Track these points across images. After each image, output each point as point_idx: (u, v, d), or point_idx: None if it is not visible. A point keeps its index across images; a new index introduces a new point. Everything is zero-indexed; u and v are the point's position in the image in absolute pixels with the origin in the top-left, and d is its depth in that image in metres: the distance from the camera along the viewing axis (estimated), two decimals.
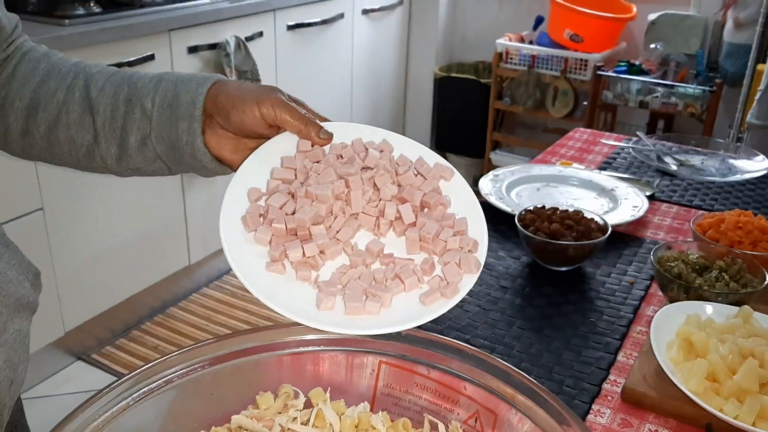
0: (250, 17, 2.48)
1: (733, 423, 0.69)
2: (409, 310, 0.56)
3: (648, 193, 1.31)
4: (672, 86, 2.85)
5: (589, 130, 1.71)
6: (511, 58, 3.17)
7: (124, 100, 0.68)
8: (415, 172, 0.66)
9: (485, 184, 1.30)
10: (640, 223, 1.22)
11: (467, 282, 0.58)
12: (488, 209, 1.22)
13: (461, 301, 0.58)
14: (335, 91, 3.09)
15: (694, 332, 0.79)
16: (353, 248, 0.61)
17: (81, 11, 2.02)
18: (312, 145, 0.66)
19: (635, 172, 1.45)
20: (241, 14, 2.43)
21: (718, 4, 2.91)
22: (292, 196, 0.62)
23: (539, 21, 3.24)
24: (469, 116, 3.45)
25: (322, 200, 0.60)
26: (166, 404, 0.55)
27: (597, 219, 1.08)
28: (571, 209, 1.11)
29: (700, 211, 1.26)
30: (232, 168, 0.68)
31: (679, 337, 0.80)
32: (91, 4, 2.09)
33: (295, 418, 0.58)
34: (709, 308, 0.86)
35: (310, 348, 0.60)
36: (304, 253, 0.58)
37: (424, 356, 0.59)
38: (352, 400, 0.60)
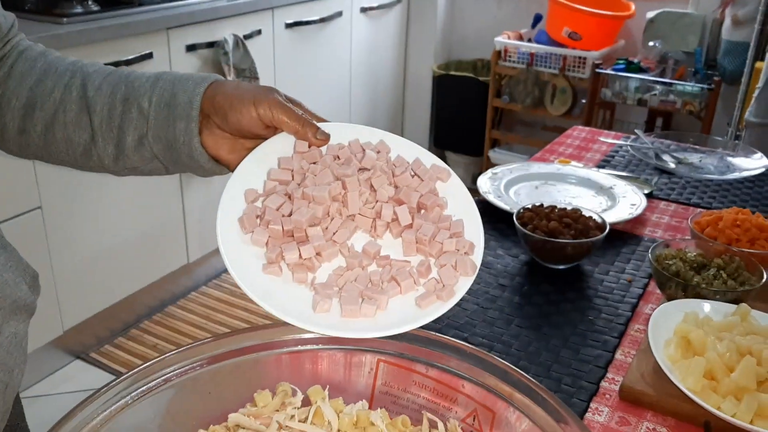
0: (248, 15, 2.47)
1: (731, 421, 0.69)
2: (404, 312, 0.56)
3: (646, 191, 1.31)
4: (670, 84, 2.86)
5: (587, 128, 1.71)
6: (510, 56, 3.17)
7: (121, 100, 0.68)
8: (412, 174, 0.66)
9: (484, 182, 1.30)
10: (638, 221, 1.22)
11: (463, 285, 0.58)
12: (487, 207, 1.23)
13: (459, 300, 0.58)
14: (334, 89, 3.09)
15: (692, 330, 0.79)
16: (350, 250, 0.61)
17: (79, 9, 2.02)
18: (309, 146, 0.66)
19: (633, 170, 1.45)
20: (240, 12, 2.43)
21: (716, 1, 2.91)
22: (289, 198, 0.62)
23: (538, 19, 3.24)
24: (468, 114, 3.45)
25: (318, 202, 0.60)
26: (164, 403, 0.55)
27: (595, 217, 1.09)
28: (569, 207, 1.11)
29: (698, 209, 1.26)
30: (230, 168, 0.68)
31: (677, 335, 0.80)
32: (89, 3, 2.09)
33: (293, 416, 0.58)
34: (706, 306, 0.86)
35: (309, 346, 0.60)
36: (300, 254, 0.58)
37: (422, 355, 0.59)
38: (350, 399, 0.60)
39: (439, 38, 3.53)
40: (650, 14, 2.99)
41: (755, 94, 1.86)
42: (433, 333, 0.59)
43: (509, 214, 1.13)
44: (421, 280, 0.59)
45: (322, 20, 2.84)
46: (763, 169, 1.38)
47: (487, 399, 0.55)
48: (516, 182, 1.33)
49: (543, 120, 3.46)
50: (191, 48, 2.27)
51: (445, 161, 3.65)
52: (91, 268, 2.14)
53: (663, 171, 1.44)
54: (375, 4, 3.17)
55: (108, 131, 0.68)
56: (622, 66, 2.96)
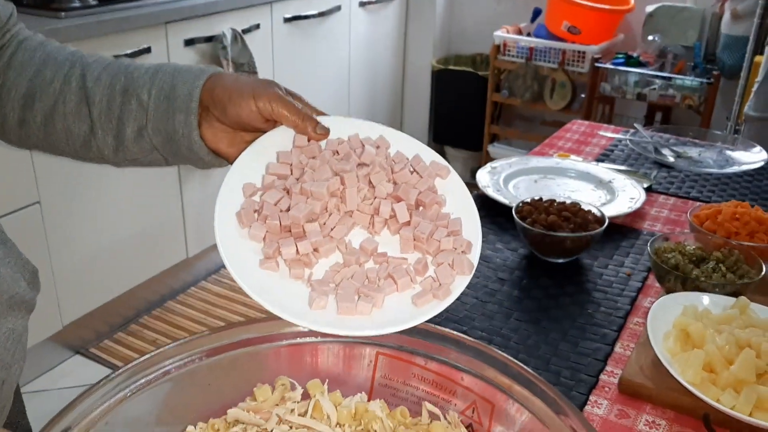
0: (246, 9, 2.47)
1: (730, 413, 0.69)
2: (401, 311, 0.56)
3: (645, 185, 1.31)
4: (669, 78, 2.85)
5: (586, 122, 1.71)
6: (509, 51, 3.16)
7: (121, 91, 0.67)
8: (411, 170, 0.65)
9: (483, 176, 1.30)
10: (637, 214, 1.22)
11: (459, 284, 0.58)
12: (486, 201, 1.23)
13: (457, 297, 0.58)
14: (332, 84, 3.09)
15: (691, 323, 0.79)
16: (347, 246, 0.60)
17: (77, 4, 2.01)
18: (308, 140, 0.66)
19: (633, 164, 1.45)
20: (238, 6, 2.42)
21: None
22: (287, 192, 0.62)
23: (537, 13, 3.23)
24: (467, 109, 3.45)
25: (316, 197, 0.60)
26: (163, 396, 0.55)
27: (594, 211, 1.09)
28: (568, 201, 1.11)
29: (698, 203, 1.26)
30: (229, 161, 0.68)
31: (676, 328, 0.80)
32: None
33: (292, 410, 0.58)
34: (705, 299, 0.86)
35: (308, 339, 0.60)
36: (297, 250, 0.58)
37: (421, 347, 0.59)
38: (349, 391, 0.60)
39: (438, 33, 3.52)
40: (649, 8, 2.99)
41: (754, 88, 1.86)
42: (433, 325, 0.59)
43: (508, 208, 1.12)
44: (417, 278, 0.58)
45: (321, 14, 2.83)
46: (762, 163, 1.38)
47: (487, 391, 0.56)
48: (515, 176, 1.33)
49: (542, 114, 3.45)
50: (190, 42, 2.27)
51: (444, 156, 3.65)
52: (90, 263, 2.14)
53: (662, 165, 1.44)
54: None
55: (107, 122, 0.68)
56: (621, 60, 2.96)
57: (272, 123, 0.66)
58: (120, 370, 0.53)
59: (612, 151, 1.52)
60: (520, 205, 1.10)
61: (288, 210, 0.60)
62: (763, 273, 0.90)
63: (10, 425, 0.72)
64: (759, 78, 1.85)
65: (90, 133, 0.68)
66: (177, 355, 0.56)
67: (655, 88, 2.87)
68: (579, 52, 2.99)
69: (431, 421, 0.59)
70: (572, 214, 1.07)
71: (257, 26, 2.52)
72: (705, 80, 2.78)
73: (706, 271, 0.92)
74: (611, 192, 1.28)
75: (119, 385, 0.52)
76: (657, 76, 2.87)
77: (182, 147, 0.67)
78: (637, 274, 1.03)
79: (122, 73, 0.68)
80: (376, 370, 0.60)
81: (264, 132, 0.67)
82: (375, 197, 0.63)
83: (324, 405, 0.58)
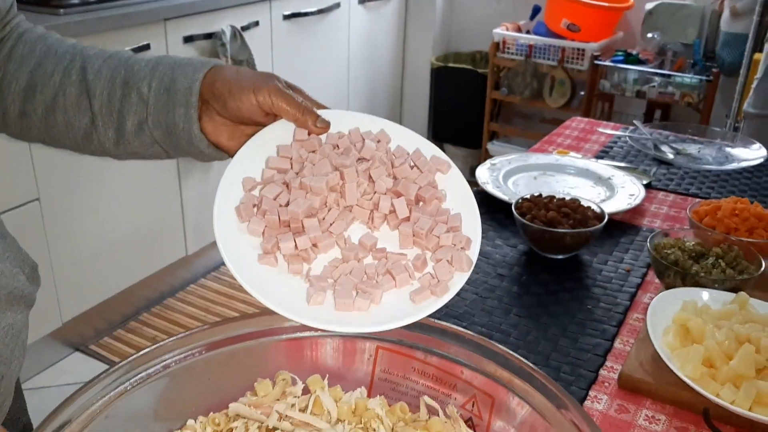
0: (245, 6, 2.46)
1: (730, 408, 0.69)
2: (398, 307, 0.56)
3: (645, 182, 1.31)
4: (669, 76, 2.85)
5: (586, 119, 1.71)
6: (508, 48, 3.16)
7: (121, 84, 0.67)
8: (412, 164, 0.65)
9: (482, 172, 1.30)
10: (636, 211, 1.22)
11: (458, 280, 0.57)
12: (485, 198, 1.23)
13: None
14: (332, 82, 3.09)
15: (691, 318, 0.79)
16: (346, 242, 0.60)
17: (76, 0, 2.01)
18: (308, 134, 0.65)
19: (632, 161, 1.45)
20: (237, 3, 2.42)
21: None
22: (287, 187, 0.61)
23: (536, 10, 3.23)
24: (466, 106, 3.45)
25: (316, 192, 0.60)
26: (163, 389, 0.55)
27: (594, 207, 1.09)
28: (567, 197, 1.11)
29: (697, 200, 1.26)
30: (229, 154, 0.68)
31: (676, 323, 0.80)
32: None
33: (293, 405, 0.58)
34: (705, 295, 0.86)
35: (308, 333, 0.60)
36: (296, 245, 0.57)
37: (421, 341, 0.59)
38: (349, 386, 0.60)
39: (438, 30, 3.52)
40: (649, 5, 2.99)
41: (754, 85, 1.86)
42: (432, 320, 0.59)
43: (508, 205, 1.12)
44: (416, 274, 0.58)
45: (320, 11, 2.83)
46: (761, 160, 1.38)
47: (487, 385, 0.56)
48: (515, 173, 1.33)
49: (541, 112, 3.45)
50: (189, 39, 2.26)
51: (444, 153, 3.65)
52: (90, 260, 2.14)
53: (661, 162, 1.44)
54: None
55: (108, 115, 0.67)
56: (620, 58, 2.96)
57: (273, 116, 0.66)
58: (120, 364, 0.53)
59: (611, 147, 1.52)
60: (520, 201, 1.10)
61: (287, 205, 0.59)
62: (762, 269, 0.90)
63: (11, 421, 0.72)
64: (758, 75, 1.85)
65: (91, 126, 0.68)
66: (177, 348, 0.55)
67: (654, 86, 2.87)
68: (578, 49, 2.99)
69: (430, 417, 0.59)
70: (572, 210, 1.07)
71: (256, 23, 2.52)
72: (704, 78, 2.78)
73: (705, 266, 0.93)
74: (611, 188, 1.28)
75: (119, 379, 0.52)
76: (656, 74, 2.87)
77: (182, 140, 0.67)
78: (637, 270, 1.03)
79: (123, 66, 0.68)
80: (377, 364, 0.60)
81: (265, 125, 0.66)
82: (375, 192, 0.62)
83: (324, 401, 0.58)
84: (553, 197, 1.11)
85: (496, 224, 1.16)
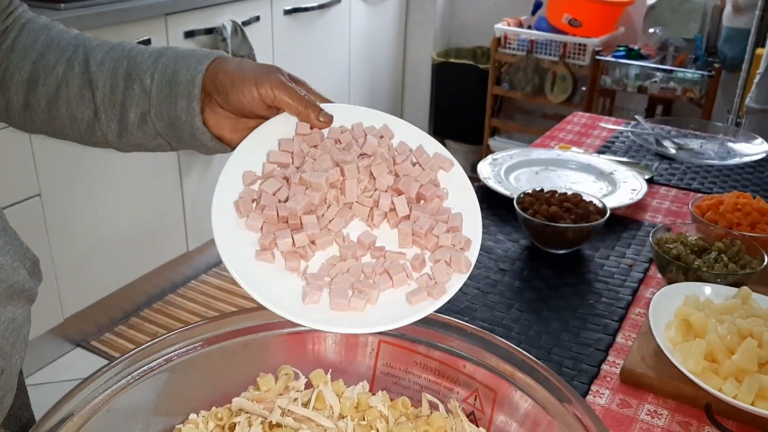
0: (246, 2, 2.46)
1: (732, 402, 0.69)
2: (394, 308, 0.55)
3: (647, 177, 1.30)
4: (671, 71, 2.85)
5: (587, 114, 1.70)
6: (510, 43, 3.16)
7: (124, 75, 0.67)
8: (414, 162, 0.64)
9: (484, 167, 1.29)
10: (638, 206, 1.22)
11: (456, 282, 0.56)
12: (487, 193, 1.22)
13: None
14: (333, 77, 3.08)
15: (693, 313, 0.79)
16: (345, 239, 0.59)
17: None
18: (311, 128, 0.64)
19: (634, 156, 1.44)
20: None
21: None
22: (287, 181, 0.60)
23: (538, 6, 3.22)
24: (468, 102, 3.44)
25: (315, 188, 0.59)
26: (165, 384, 0.55)
27: (596, 202, 1.08)
28: (569, 192, 1.11)
29: (699, 194, 1.25)
30: (232, 147, 0.67)
31: (678, 317, 0.80)
32: None
33: (295, 399, 0.58)
34: (707, 289, 0.86)
35: (309, 327, 0.60)
36: (293, 242, 0.57)
37: (423, 335, 0.59)
38: (351, 380, 0.60)
39: (439, 25, 3.51)
40: (651, 0, 2.98)
41: (756, 80, 1.86)
42: (435, 313, 0.58)
43: (509, 200, 1.12)
44: (414, 274, 0.57)
45: (321, 7, 2.82)
46: (763, 155, 1.38)
47: (489, 379, 0.55)
48: (516, 168, 1.33)
49: (543, 108, 3.45)
50: (189, 34, 2.26)
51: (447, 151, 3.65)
52: (91, 256, 2.14)
53: (663, 156, 1.44)
54: None
55: (111, 107, 0.67)
56: (622, 53, 2.95)
57: (275, 110, 0.65)
58: (121, 358, 0.53)
59: (613, 143, 1.52)
60: (522, 196, 1.09)
61: (287, 200, 0.58)
62: (765, 263, 0.90)
63: (14, 417, 0.72)
64: (761, 70, 1.84)
65: (94, 118, 0.68)
66: (179, 342, 0.55)
67: (656, 81, 2.87)
68: (580, 44, 2.98)
69: (431, 412, 0.59)
70: (573, 205, 1.07)
71: (257, 18, 2.52)
72: (706, 73, 2.78)
73: (707, 261, 0.92)
74: (612, 183, 1.27)
75: (120, 373, 0.52)
76: (658, 69, 2.87)
77: (185, 133, 0.66)
78: (639, 265, 1.03)
79: (125, 57, 0.67)
80: (379, 358, 0.60)
81: (268, 119, 0.66)
82: (375, 189, 0.61)
83: (327, 396, 0.58)
84: (555, 192, 1.10)
85: (497, 219, 1.16)
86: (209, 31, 2.32)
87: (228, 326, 0.58)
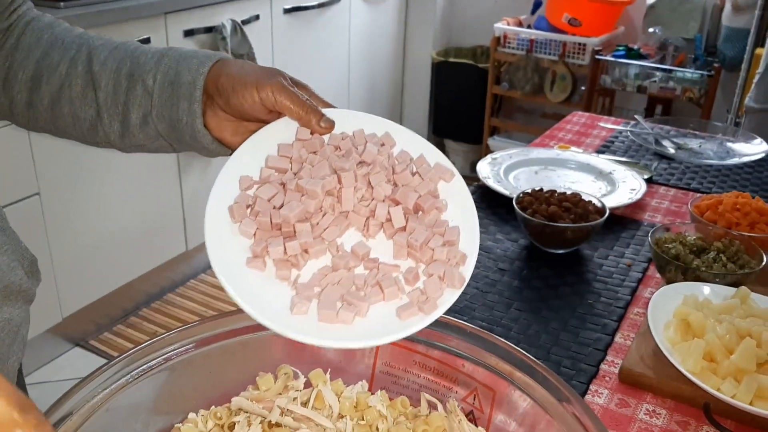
0: (246, 0, 2.46)
1: (731, 402, 0.69)
2: (383, 323, 0.53)
3: (646, 176, 1.31)
4: (670, 71, 2.85)
5: (587, 114, 1.70)
6: (509, 43, 3.16)
7: (126, 76, 0.66)
8: (414, 171, 0.62)
9: (483, 167, 1.29)
10: (637, 205, 1.22)
11: (448, 298, 0.55)
12: (486, 192, 1.22)
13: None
14: (332, 76, 3.08)
15: (692, 312, 0.79)
16: (339, 249, 0.57)
17: None
18: (312, 133, 0.63)
19: (633, 156, 1.45)
20: None
21: None
22: (284, 187, 0.59)
23: (537, 5, 3.22)
24: (467, 101, 3.44)
25: (311, 196, 0.57)
26: (164, 383, 0.55)
27: (595, 201, 1.08)
28: (569, 192, 1.11)
29: (698, 194, 1.26)
30: (233, 150, 0.66)
31: (677, 317, 0.80)
32: None
33: (295, 399, 0.58)
34: (706, 289, 0.86)
35: None
36: (285, 250, 0.55)
37: (423, 335, 0.58)
38: (350, 379, 0.60)
39: (438, 24, 3.51)
40: (650, 0, 2.98)
41: (755, 80, 1.86)
42: None
43: (509, 199, 1.12)
44: (407, 287, 0.56)
45: (321, 5, 2.82)
46: (762, 155, 1.38)
47: (488, 378, 0.56)
48: (515, 167, 1.33)
49: (542, 107, 3.45)
50: (189, 33, 2.26)
51: (444, 149, 3.65)
52: (90, 255, 2.14)
53: (663, 156, 1.44)
54: None
55: (113, 107, 0.67)
56: (622, 52, 2.95)
57: (276, 114, 0.64)
58: (120, 357, 0.53)
59: (612, 142, 1.52)
60: (521, 195, 1.09)
61: (282, 207, 0.57)
62: (763, 263, 0.90)
63: None
64: (760, 69, 1.84)
65: (96, 118, 0.68)
66: (178, 341, 0.55)
67: (655, 81, 2.87)
68: (579, 44, 2.98)
69: (430, 412, 0.59)
70: (573, 204, 1.07)
71: (257, 17, 2.51)
72: (706, 73, 2.78)
73: (706, 261, 0.92)
74: (612, 183, 1.27)
75: (120, 372, 0.52)
76: (657, 69, 2.87)
77: (186, 135, 0.66)
78: (638, 264, 1.03)
79: (128, 57, 0.67)
80: (378, 357, 0.60)
81: (269, 123, 0.64)
82: (372, 198, 0.60)
83: (326, 396, 0.58)
84: (554, 192, 1.11)
85: (497, 219, 1.16)
86: (209, 29, 2.32)
87: (227, 325, 0.58)
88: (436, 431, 0.57)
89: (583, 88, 3.07)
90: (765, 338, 0.74)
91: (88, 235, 2.12)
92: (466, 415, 0.58)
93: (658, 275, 0.99)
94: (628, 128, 1.54)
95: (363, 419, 0.57)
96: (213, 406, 0.57)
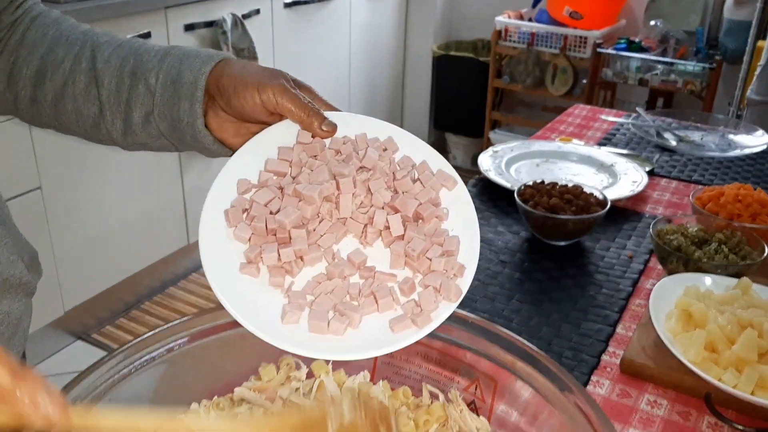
0: None
1: (732, 392, 0.69)
2: (375, 335, 0.52)
3: (647, 169, 1.30)
4: (671, 63, 2.84)
5: (588, 107, 1.70)
6: (510, 36, 3.15)
7: (129, 74, 0.66)
8: (415, 178, 0.61)
9: (484, 159, 1.29)
10: (639, 198, 1.22)
11: (443, 311, 0.53)
12: (487, 185, 1.22)
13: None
14: (333, 70, 3.07)
15: (693, 303, 0.79)
16: (335, 256, 0.56)
17: None
18: (313, 137, 0.61)
19: (635, 148, 1.44)
20: None
21: None
22: (282, 192, 0.58)
23: None
24: (468, 95, 3.43)
25: (308, 201, 0.56)
26: (166, 373, 0.55)
27: (596, 194, 1.08)
28: (570, 184, 1.11)
29: (699, 186, 1.25)
30: (234, 151, 0.65)
31: (678, 308, 0.80)
32: None
33: (297, 389, 0.58)
34: (708, 280, 0.86)
35: None
36: (279, 257, 0.54)
37: None
38: (352, 369, 0.60)
39: (439, 18, 3.51)
40: None
41: (757, 72, 1.85)
42: None
43: (510, 192, 1.12)
44: (402, 298, 0.54)
45: (321, 0, 2.82)
46: (764, 147, 1.38)
47: (490, 368, 0.56)
48: (517, 160, 1.33)
49: (543, 100, 3.44)
50: (190, 27, 2.26)
51: (445, 143, 3.65)
52: (92, 248, 2.14)
53: (664, 149, 1.44)
54: None
55: (116, 105, 0.66)
56: (623, 45, 2.94)
57: (278, 116, 0.63)
58: (123, 348, 0.53)
59: (614, 135, 1.52)
60: (522, 188, 1.09)
61: (278, 212, 0.56)
62: (765, 254, 0.90)
63: None
64: (762, 62, 1.84)
65: (99, 115, 0.67)
66: (180, 332, 0.56)
67: (657, 74, 2.86)
68: (581, 37, 2.98)
69: (432, 402, 0.59)
70: (574, 196, 1.07)
71: (257, 11, 2.51)
72: (707, 65, 2.77)
73: (708, 252, 0.92)
74: (613, 175, 1.27)
75: (122, 363, 0.52)
76: (659, 62, 2.86)
77: (187, 135, 0.65)
78: (639, 256, 1.03)
79: (132, 55, 0.66)
80: None
81: (271, 124, 0.63)
82: (371, 205, 0.58)
83: (328, 386, 0.58)
84: (556, 184, 1.10)
85: (498, 211, 1.16)
86: (209, 24, 2.32)
87: (229, 316, 0.58)
88: (437, 421, 0.57)
89: (584, 81, 3.07)
90: (766, 329, 0.74)
91: (90, 228, 2.12)
92: (468, 405, 0.58)
93: (659, 267, 0.99)
94: (630, 121, 1.54)
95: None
96: (215, 397, 0.58)
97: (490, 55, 3.25)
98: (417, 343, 0.59)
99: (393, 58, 3.50)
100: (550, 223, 1.03)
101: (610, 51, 2.93)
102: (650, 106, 3.11)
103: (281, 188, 0.58)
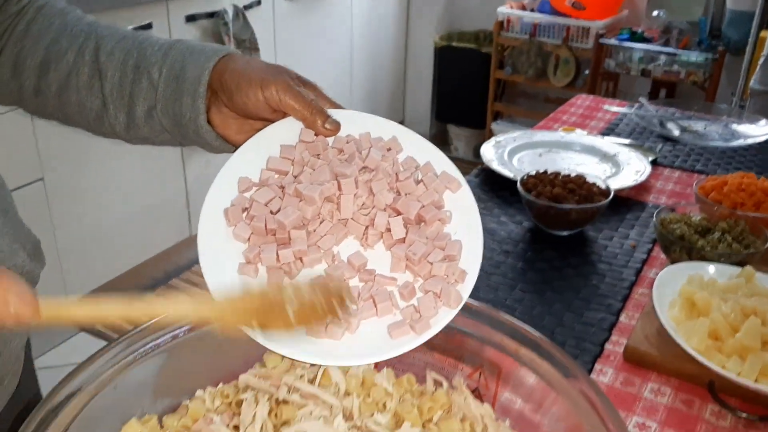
0: None
1: (736, 380, 0.69)
2: (373, 340, 0.51)
3: (650, 159, 1.30)
4: (674, 54, 2.83)
5: (591, 96, 1.70)
6: (513, 27, 3.14)
7: (133, 67, 0.65)
8: (418, 179, 0.59)
9: (487, 149, 1.29)
10: (642, 187, 1.22)
11: (443, 317, 0.52)
12: (490, 175, 1.22)
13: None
14: (335, 61, 3.07)
15: (697, 291, 0.79)
16: (335, 258, 0.55)
17: None
18: (316, 135, 0.60)
19: (638, 138, 1.44)
20: None
21: None
22: (283, 191, 0.57)
23: None
24: (470, 86, 3.43)
25: (308, 202, 0.55)
26: (171, 360, 0.55)
27: (599, 183, 1.08)
28: (573, 174, 1.11)
29: (703, 176, 1.25)
30: (237, 148, 0.64)
31: (682, 296, 0.80)
32: None
33: (302, 376, 0.58)
34: (711, 269, 0.86)
35: None
36: (278, 258, 0.53)
37: None
38: None
39: (441, 9, 3.49)
40: None
41: (760, 62, 1.85)
42: None
43: (513, 182, 1.12)
44: (402, 303, 0.53)
45: None
46: (767, 136, 1.38)
47: (494, 355, 0.56)
48: (519, 150, 1.33)
49: (546, 91, 3.43)
50: (191, 18, 2.25)
51: (447, 134, 3.64)
52: (95, 240, 2.14)
53: (667, 138, 1.43)
54: None
55: (119, 99, 0.66)
56: (625, 36, 2.93)
57: (281, 113, 0.62)
58: (128, 335, 0.53)
59: (617, 125, 1.51)
60: (525, 177, 1.09)
61: (279, 211, 0.55)
62: None
63: (24, 403, 0.71)
64: (765, 52, 1.83)
65: (102, 109, 0.67)
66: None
67: (659, 64, 2.85)
68: (583, 28, 2.96)
69: (436, 389, 0.59)
70: (577, 186, 1.06)
71: (258, 2, 2.50)
72: (710, 56, 2.76)
73: (711, 241, 0.92)
74: (616, 165, 1.27)
75: (127, 350, 0.53)
76: (661, 52, 2.85)
77: (189, 130, 0.64)
78: (642, 246, 1.03)
79: (135, 49, 0.66)
80: None
81: (274, 122, 0.62)
82: (373, 207, 0.57)
83: (333, 373, 0.58)
84: (559, 174, 1.10)
85: (501, 201, 1.16)
86: (211, 15, 2.31)
87: None
88: (441, 408, 0.57)
89: (586, 72, 3.06)
90: None
91: (93, 220, 2.12)
92: (472, 392, 0.58)
93: (663, 256, 0.99)
94: (633, 111, 1.53)
95: (369, 397, 0.58)
96: (220, 384, 0.58)
97: (492, 46, 3.24)
98: None
99: (395, 49, 3.49)
100: (553, 213, 1.03)
101: (613, 42, 2.92)
102: (653, 96, 3.10)
103: (282, 187, 0.57)
